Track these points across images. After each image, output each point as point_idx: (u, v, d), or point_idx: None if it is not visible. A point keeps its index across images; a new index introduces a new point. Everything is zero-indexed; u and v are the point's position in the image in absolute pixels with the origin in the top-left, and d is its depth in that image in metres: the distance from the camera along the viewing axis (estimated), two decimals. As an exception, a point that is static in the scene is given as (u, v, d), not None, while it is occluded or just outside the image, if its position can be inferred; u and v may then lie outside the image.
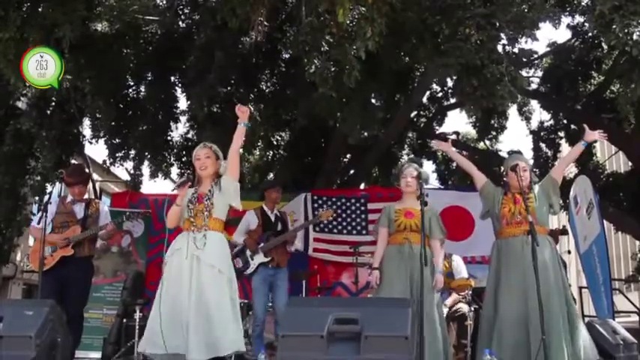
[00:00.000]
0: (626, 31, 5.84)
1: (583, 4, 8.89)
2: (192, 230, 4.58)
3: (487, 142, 14.74)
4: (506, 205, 4.95)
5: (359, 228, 9.35)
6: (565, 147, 14.08)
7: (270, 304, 6.69)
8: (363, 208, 9.46)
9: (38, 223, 5.60)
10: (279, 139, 13.62)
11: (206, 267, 4.46)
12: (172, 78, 10.89)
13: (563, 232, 8.10)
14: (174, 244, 4.64)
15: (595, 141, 5.54)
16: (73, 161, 10.29)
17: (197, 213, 4.65)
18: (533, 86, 13.12)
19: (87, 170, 6.99)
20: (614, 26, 5.90)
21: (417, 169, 5.21)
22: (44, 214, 5.33)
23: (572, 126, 13.29)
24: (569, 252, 9.75)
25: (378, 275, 5.10)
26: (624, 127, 12.02)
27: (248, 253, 6.59)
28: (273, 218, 6.80)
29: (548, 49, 12.71)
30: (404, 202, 5.23)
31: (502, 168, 5.21)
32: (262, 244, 6.58)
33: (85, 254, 5.78)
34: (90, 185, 12.36)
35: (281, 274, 6.59)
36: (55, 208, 5.80)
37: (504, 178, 5.09)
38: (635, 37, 5.81)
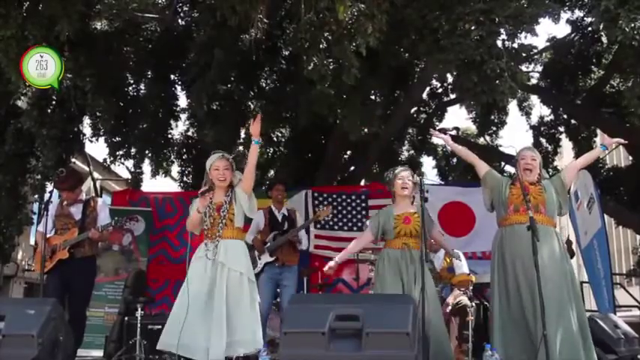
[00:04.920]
0: (632, 25, 5.83)
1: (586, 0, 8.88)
2: (210, 239, 4.71)
3: (487, 138, 14.73)
4: (515, 192, 4.82)
5: (359, 224, 9.34)
6: (565, 142, 14.07)
7: (275, 301, 6.73)
8: (363, 204, 9.46)
9: (39, 223, 5.61)
10: (280, 135, 13.63)
11: (230, 272, 4.61)
12: (172, 76, 10.89)
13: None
14: (197, 252, 4.77)
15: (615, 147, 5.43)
16: (73, 160, 10.29)
17: (214, 222, 4.74)
18: (533, 81, 13.11)
19: (82, 172, 6.94)
20: (620, 21, 5.89)
21: (412, 174, 5.20)
22: (45, 213, 5.34)
23: (573, 121, 13.29)
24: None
25: (332, 265, 5.33)
26: (626, 121, 12.01)
27: (256, 253, 6.61)
28: (280, 217, 6.83)
29: (548, 43, 12.69)
30: (400, 206, 5.20)
31: (514, 159, 5.11)
32: (268, 244, 6.62)
33: (86, 254, 5.78)
34: (90, 184, 12.39)
35: (288, 272, 6.62)
36: (54, 211, 5.79)
37: (515, 169, 5.04)
38: None
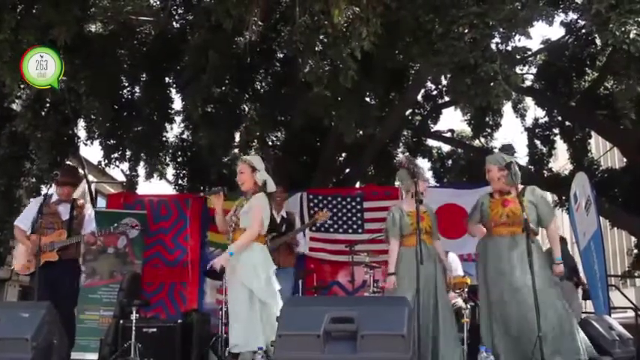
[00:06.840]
0: (622, 29, 5.83)
1: (578, 2, 8.91)
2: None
3: (482, 140, 14.74)
4: (495, 208, 5.06)
5: (355, 227, 9.34)
6: (560, 144, 14.10)
7: None
8: (358, 206, 9.46)
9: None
10: (275, 139, 13.61)
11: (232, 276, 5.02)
12: (167, 79, 10.87)
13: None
14: None
15: None
16: (68, 163, 10.27)
17: (230, 225, 5.14)
18: (528, 83, 13.14)
19: (80, 173, 6.97)
20: (610, 25, 5.89)
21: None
22: (39, 216, 5.35)
23: (567, 122, 13.33)
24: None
25: (394, 280, 5.24)
26: (620, 122, 12.04)
27: None
28: (278, 220, 6.82)
29: (542, 46, 12.72)
30: (410, 203, 5.27)
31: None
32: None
33: (71, 257, 5.82)
34: (85, 187, 12.36)
35: (283, 274, 6.60)
36: (37, 208, 5.75)
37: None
38: (632, 35, 5.79)
